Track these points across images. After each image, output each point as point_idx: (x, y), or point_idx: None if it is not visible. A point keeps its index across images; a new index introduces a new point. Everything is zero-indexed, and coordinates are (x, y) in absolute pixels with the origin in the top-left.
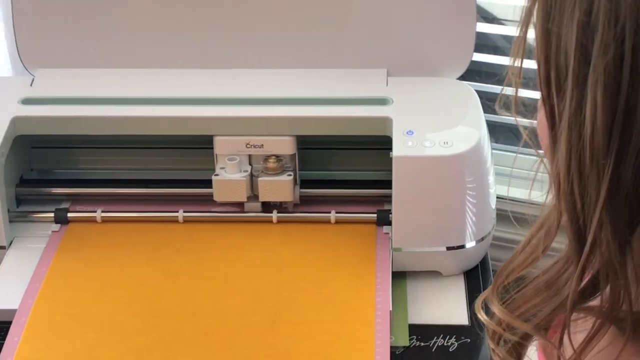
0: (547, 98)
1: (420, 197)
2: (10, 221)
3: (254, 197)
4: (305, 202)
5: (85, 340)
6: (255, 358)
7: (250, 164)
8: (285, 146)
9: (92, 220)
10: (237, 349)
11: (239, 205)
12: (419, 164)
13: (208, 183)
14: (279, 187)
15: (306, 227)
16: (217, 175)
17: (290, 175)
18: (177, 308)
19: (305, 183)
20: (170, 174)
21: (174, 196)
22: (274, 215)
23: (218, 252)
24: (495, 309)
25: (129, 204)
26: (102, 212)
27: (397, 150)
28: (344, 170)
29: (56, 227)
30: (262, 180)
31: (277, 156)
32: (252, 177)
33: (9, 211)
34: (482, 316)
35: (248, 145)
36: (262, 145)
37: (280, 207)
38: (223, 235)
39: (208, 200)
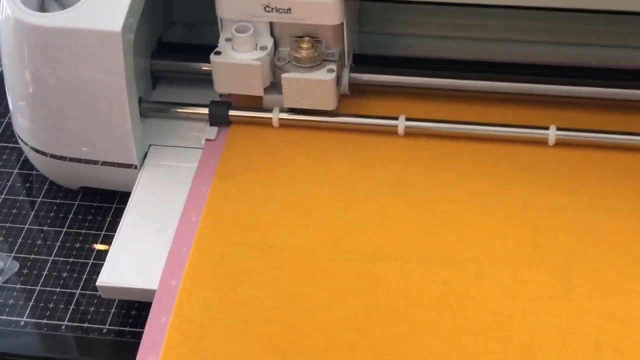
0: None
1: None
2: (142, 115)
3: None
4: None
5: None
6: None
7: None
8: None
9: (266, 123)
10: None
11: None
12: None
13: None
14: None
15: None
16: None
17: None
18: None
19: None
20: None
21: None
22: (551, 133)
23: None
24: None
25: None
26: (281, 111)
27: None
28: None
29: (211, 132)
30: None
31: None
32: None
33: (140, 101)
34: None
35: None
36: None
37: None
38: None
39: None
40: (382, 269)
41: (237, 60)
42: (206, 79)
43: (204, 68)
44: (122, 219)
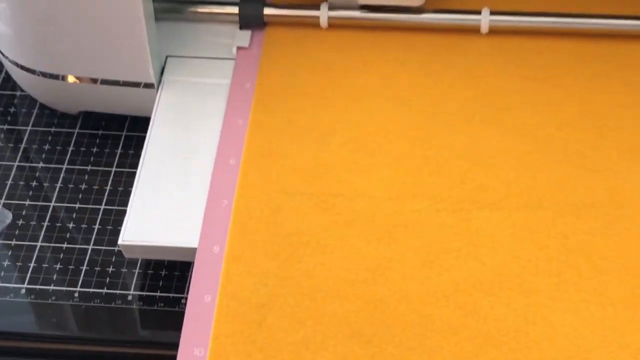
0: None
1: None
2: (157, 19)
3: None
4: None
5: None
6: None
7: None
8: None
9: (311, 24)
10: None
11: None
12: None
13: None
14: None
15: None
16: None
17: None
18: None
19: None
20: None
21: None
22: None
23: None
24: None
25: None
26: (331, 9)
27: None
28: None
29: (243, 38)
30: None
31: None
32: None
33: (154, 0)
34: None
35: None
36: None
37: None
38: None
39: None
40: (481, 220)
41: None
42: None
43: None
44: (142, 158)
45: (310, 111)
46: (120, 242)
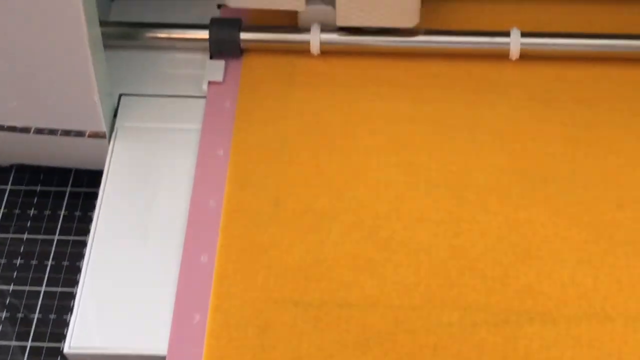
0: None
1: None
2: (107, 47)
3: None
4: None
5: None
6: None
7: None
8: None
9: (300, 51)
10: None
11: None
12: None
13: None
14: None
15: None
16: None
17: None
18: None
19: None
20: None
21: None
22: None
23: None
24: None
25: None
26: (323, 32)
27: None
28: None
29: (216, 70)
30: None
31: None
32: None
33: (101, 24)
34: None
35: None
36: None
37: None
38: None
39: None
40: (532, 338)
41: None
42: None
43: None
44: (90, 237)
45: (302, 187)
46: (66, 350)
